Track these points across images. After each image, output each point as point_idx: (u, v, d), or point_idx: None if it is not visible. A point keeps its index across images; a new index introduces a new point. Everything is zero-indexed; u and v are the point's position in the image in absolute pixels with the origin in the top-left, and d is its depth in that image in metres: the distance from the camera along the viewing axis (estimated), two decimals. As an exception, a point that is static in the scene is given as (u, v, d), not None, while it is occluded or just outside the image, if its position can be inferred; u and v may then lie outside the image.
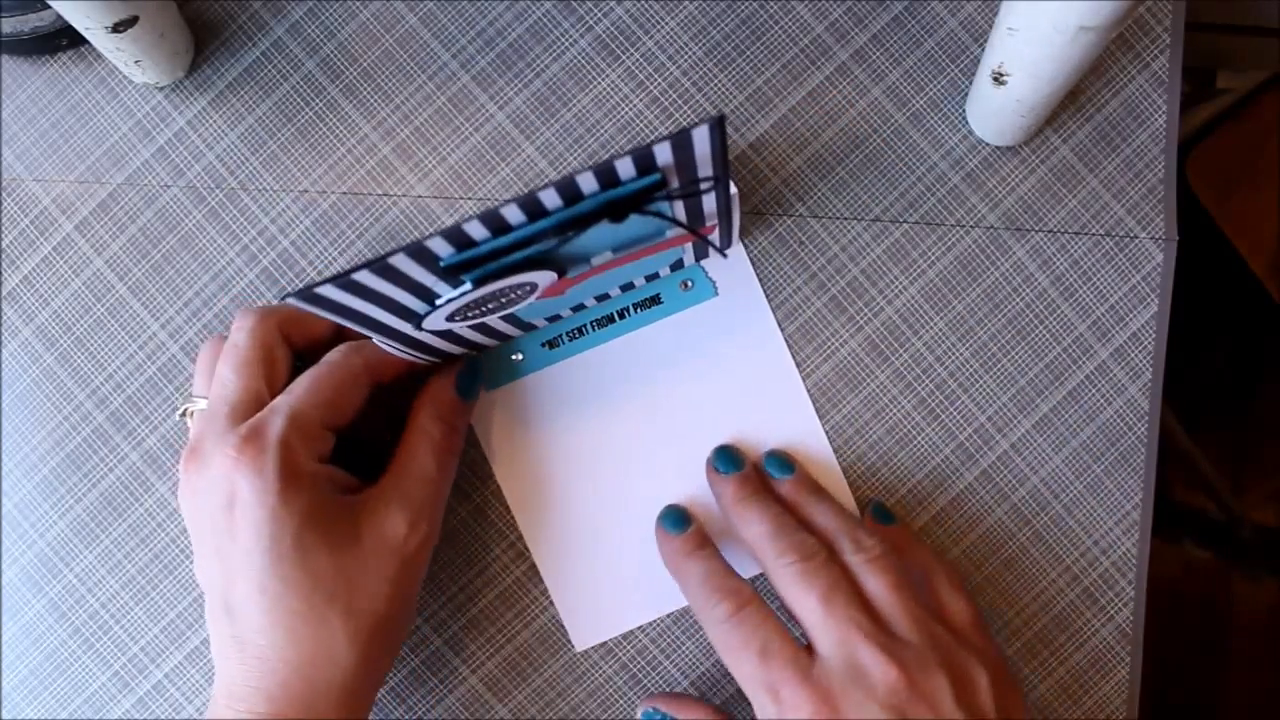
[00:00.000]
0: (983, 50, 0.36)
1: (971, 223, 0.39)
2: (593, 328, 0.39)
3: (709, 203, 0.30)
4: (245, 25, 0.39)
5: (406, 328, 0.31)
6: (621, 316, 0.39)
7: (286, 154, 0.39)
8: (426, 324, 0.30)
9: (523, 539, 0.39)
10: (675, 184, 0.28)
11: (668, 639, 0.39)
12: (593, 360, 0.39)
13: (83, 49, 0.39)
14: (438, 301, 0.29)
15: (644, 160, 0.26)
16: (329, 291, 0.26)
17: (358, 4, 0.39)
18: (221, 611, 0.32)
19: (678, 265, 0.38)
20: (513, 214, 0.26)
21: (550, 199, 0.26)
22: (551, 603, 0.39)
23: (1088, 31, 0.30)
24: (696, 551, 0.36)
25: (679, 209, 0.29)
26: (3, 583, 0.40)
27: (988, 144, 0.39)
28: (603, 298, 0.38)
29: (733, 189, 0.32)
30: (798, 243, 0.39)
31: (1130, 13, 0.29)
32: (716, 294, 0.39)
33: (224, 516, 0.31)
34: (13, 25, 0.37)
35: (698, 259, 0.38)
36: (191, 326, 0.39)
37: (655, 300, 0.39)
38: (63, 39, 0.38)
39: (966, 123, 0.39)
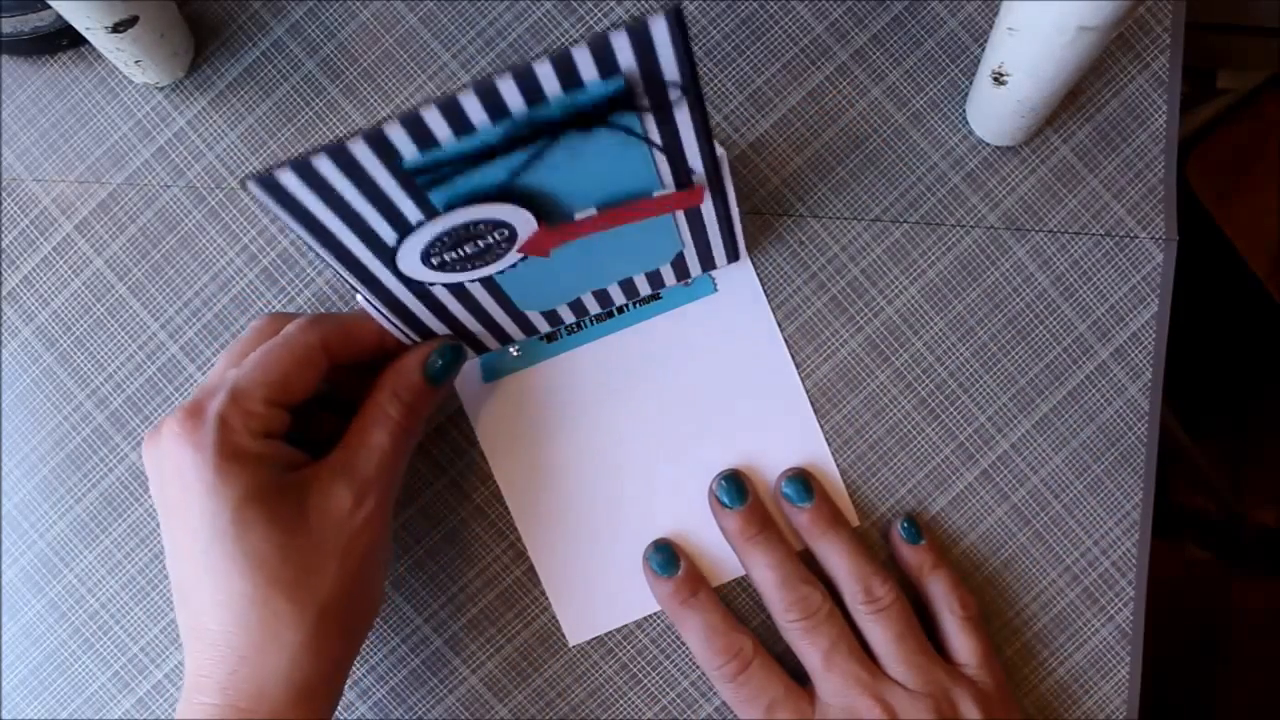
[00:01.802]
0: (983, 50, 0.36)
1: (971, 223, 0.39)
2: (590, 322, 0.39)
3: (686, 131, 0.29)
4: (245, 25, 0.39)
5: (383, 272, 0.30)
6: (620, 311, 0.39)
7: (287, 154, 0.39)
8: (402, 264, 0.30)
9: (523, 539, 0.39)
10: (643, 97, 0.27)
11: (668, 639, 0.39)
12: (590, 354, 0.39)
13: (83, 49, 0.39)
14: (409, 231, 0.28)
15: (602, 53, 0.25)
16: (287, 180, 0.25)
17: (358, 4, 0.39)
18: (180, 598, 0.31)
19: (682, 271, 0.37)
20: (473, 108, 0.25)
21: (509, 91, 0.25)
22: (551, 603, 0.39)
23: (1088, 32, 0.30)
24: (691, 600, 0.37)
25: (651, 128, 0.28)
26: (3, 583, 0.40)
27: (988, 144, 0.39)
28: (603, 299, 0.38)
29: (720, 150, 0.31)
30: (798, 243, 0.39)
31: (1130, 13, 0.29)
32: (715, 290, 0.39)
33: (174, 493, 0.30)
34: (13, 25, 0.37)
35: (704, 269, 0.38)
36: (191, 326, 0.39)
37: (654, 295, 0.39)
38: (63, 39, 0.38)
39: (966, 123, 0.39)
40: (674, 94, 0.27)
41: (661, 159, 0.30)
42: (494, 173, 0.27)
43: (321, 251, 0.28)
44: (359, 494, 0.32)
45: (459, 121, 0.26)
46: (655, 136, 0.29)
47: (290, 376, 0.31)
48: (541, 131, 0.27)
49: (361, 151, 0.25)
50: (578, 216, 0.31)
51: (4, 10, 0.36)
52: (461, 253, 0.30)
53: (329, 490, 0.31)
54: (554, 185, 0.29)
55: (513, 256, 0.31)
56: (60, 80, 0.39)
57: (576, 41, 0.24)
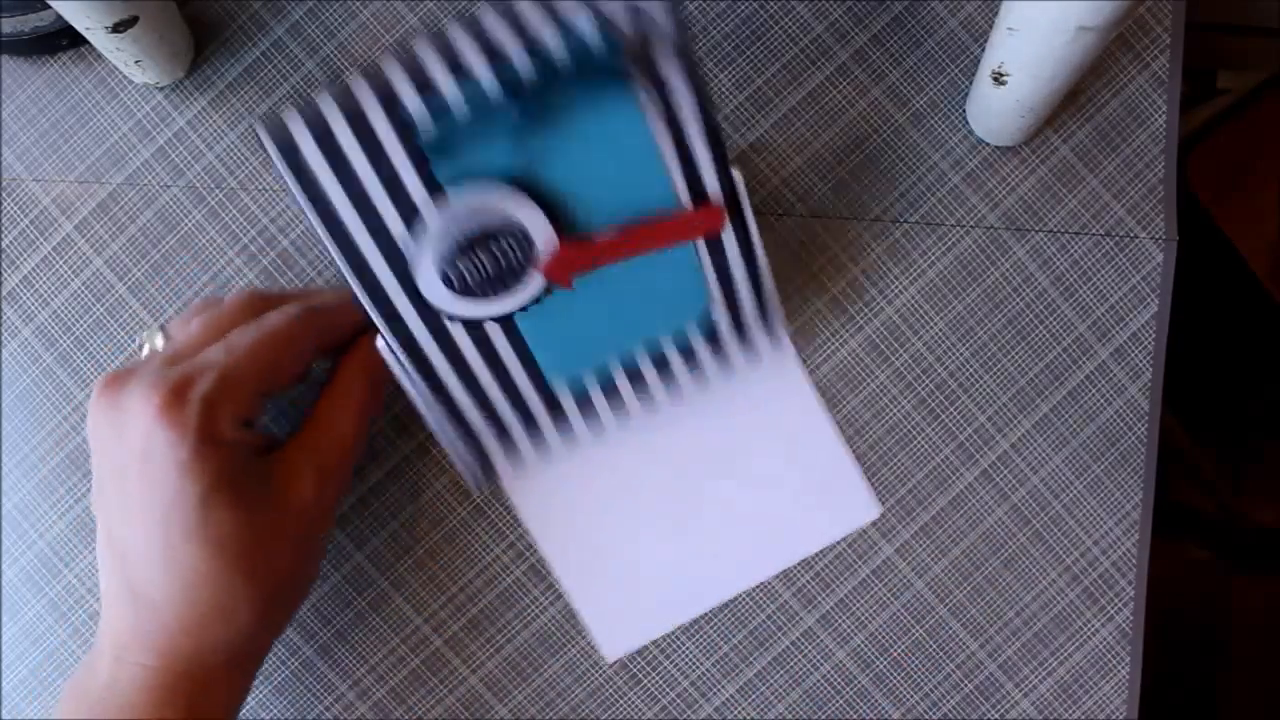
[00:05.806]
0: (983, 50, 0.36)
1: (971, 223, 0.39)
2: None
3: (684, 98, 0.29)
4: (245, 25, 0.39)
5: (400, 295, 0.30)
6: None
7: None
8: (420, 281, 0.30)
9: (523, 539, 0.39)
10: (636, 61, 0.28)
11: (668, 639, 0.39)
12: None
13: (83, 49, 0.39)
14: (422, 222, 0.29)
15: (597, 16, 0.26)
16: (295, 126, 0.26)
17: (358, 4, 0.39)
18: (115, 552, 0.31)
19: (711, 332, 0.35)
20: (469, 50, 0.26)
21: (498, 30, 0.26)
22: (552, 603, 0.39)
23: (1088, 31, 0.30)
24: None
25: (655, 116, 0.29)
26: (3, 583, 0.40)
27: (988, 144, 0.39)
28: (634, 375, 0.36)
29: (737, 175, 0.31)
30: (798, 243, 0.39)
31: (1130, 13, 0.29)
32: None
33: (134, 462, 0.29)
34: (13, 25, 0.37)
35: (737, 331, 0.36)
36: (191, 326, 0.39)
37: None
38: (63, 39, 0.38)
39: (966, 123, 0.39)
40: (664, 51, 0.28)
41: (674, 163, 0.30)
42: (501, 152, 0.27)
43: (330, 247, 0.28)
44: (321, 482, 0.32)
45: (454, 61, 0.26)
46: (654, 108, 0.29)
47: (282, 370, 0.32)
48: (539, 90, 0.27)
49: (364, 93, 0.26)
50: (596, 236, 0.31)
51: (4, 10, 0.36)
52: (480, 266, 0.30)
53: (295, 479, 0.32)
54: (566, 182, 0.29)
55: (533, 286, 0.31)
56: (60, 80, 0.39)
57: None
